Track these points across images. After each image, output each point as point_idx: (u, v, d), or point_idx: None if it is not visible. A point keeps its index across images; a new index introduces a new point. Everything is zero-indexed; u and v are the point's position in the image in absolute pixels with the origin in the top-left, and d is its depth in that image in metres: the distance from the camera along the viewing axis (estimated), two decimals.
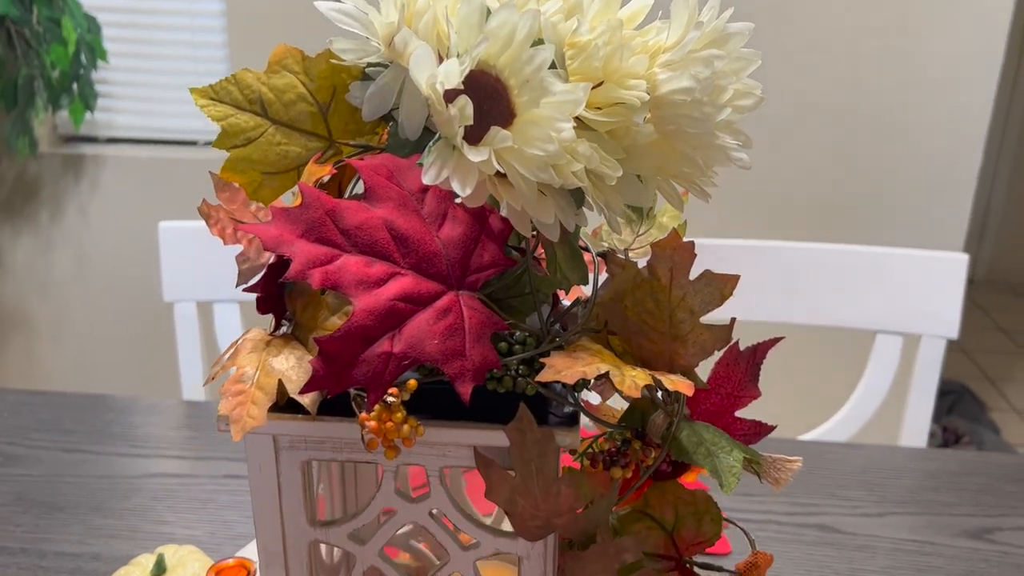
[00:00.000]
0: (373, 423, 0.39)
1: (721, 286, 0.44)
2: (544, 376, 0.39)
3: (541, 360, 0.41)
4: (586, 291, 0.48)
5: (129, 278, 2.04)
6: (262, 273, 0.43)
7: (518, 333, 0.43)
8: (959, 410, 2.64)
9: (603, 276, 0.48)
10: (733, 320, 0.44)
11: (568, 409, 0.45)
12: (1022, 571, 0.81)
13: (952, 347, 3.21)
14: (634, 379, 0.40)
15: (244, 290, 0.44)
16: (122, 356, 2.12)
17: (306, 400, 0.42)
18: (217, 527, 0.85)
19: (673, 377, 0.41)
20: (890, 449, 1.01)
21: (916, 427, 1.08)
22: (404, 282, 0.40)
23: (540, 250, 0.48)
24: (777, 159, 1.69)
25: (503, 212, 0.41)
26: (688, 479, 0.52)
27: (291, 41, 0.46)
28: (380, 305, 0.39)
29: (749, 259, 1.07)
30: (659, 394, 0.46)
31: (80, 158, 1.95)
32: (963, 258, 1.06)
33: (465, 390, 0.39)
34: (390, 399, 0.39)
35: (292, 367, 0.43)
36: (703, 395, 0.50)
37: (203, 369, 1.16)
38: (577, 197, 0.43)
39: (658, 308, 0.45)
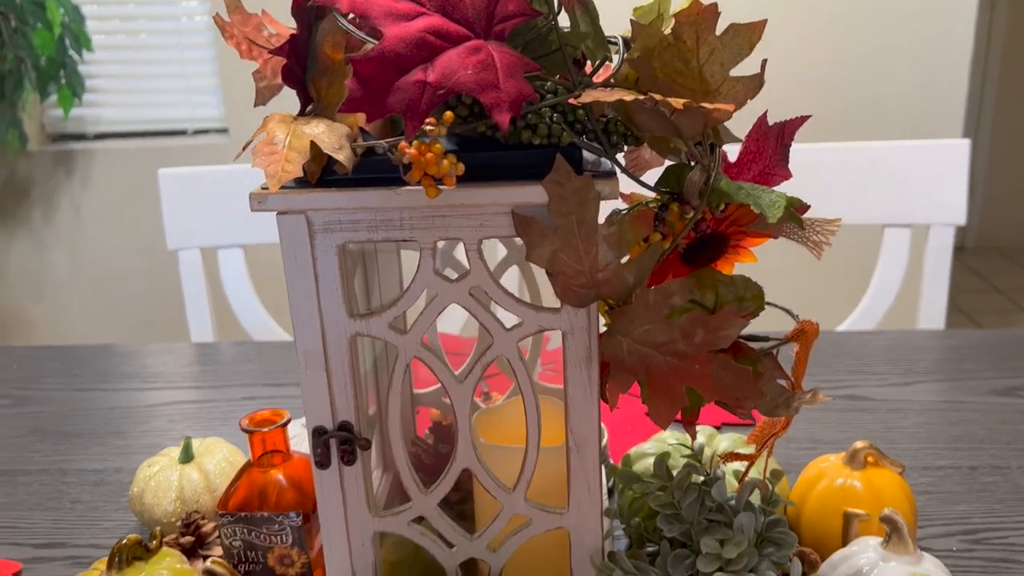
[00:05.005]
0: (413, 150, 0.38)
1: (749, 35, 0.44)
2: (583, 99, 0.39)
3: (578, 91, 0.40)
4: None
5: (126, 271, 2.02)
6: (285, 43, 0.43)
7: (549, 83, 0.43)
8: None
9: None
10: (764, 62, 0.44)
11: (604, 168, 0.44)
12: None
13: (952, 309, 3.22)
14: (674, 101, 0.40)
15: (271, 52, 0.43)
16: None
17: (341, 156, 0.41)
18: (241, 440, 0.83)
19: (714, 103, 0.41)
20: (911, 332, 1.00)
21: (933, 313, 1.07)
22: (432, 20, 0.39)
23: None
24: (778, 70, 1.75)
25: None
26: (725, 269, 0.51)
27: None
28: (410, 34, 0.38)
29: None
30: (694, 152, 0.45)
31: (70, 154, 1.94)
32: (964, 143, 1.06)
33: (503, 119, 0.38)
34: (428, 127, 0.38)
35: (323, 131, 0.42)
36: (734, 172, 0.50)
37: (211, 316, 1.15)
38: None
39: (687, 68, 0.44)
